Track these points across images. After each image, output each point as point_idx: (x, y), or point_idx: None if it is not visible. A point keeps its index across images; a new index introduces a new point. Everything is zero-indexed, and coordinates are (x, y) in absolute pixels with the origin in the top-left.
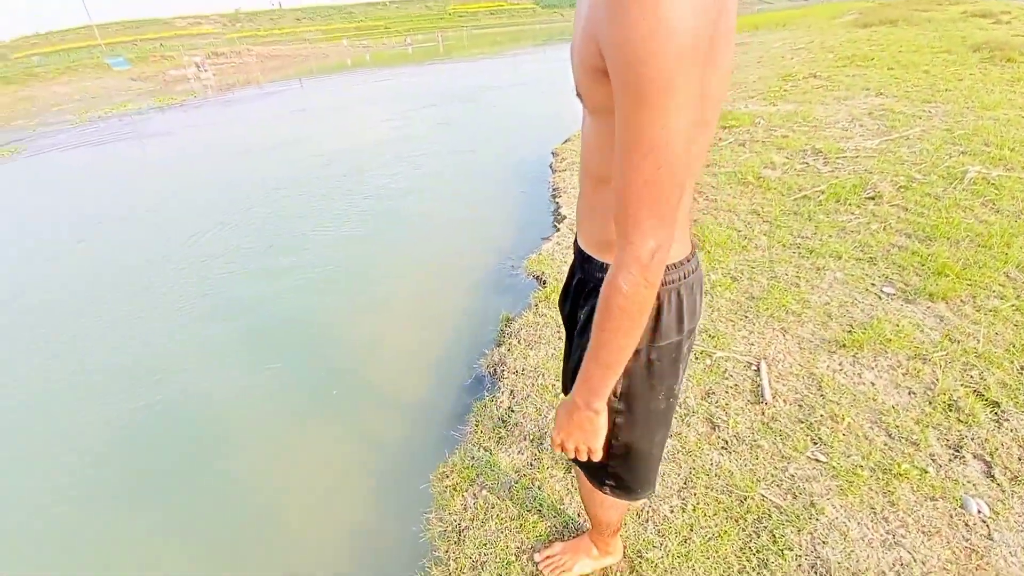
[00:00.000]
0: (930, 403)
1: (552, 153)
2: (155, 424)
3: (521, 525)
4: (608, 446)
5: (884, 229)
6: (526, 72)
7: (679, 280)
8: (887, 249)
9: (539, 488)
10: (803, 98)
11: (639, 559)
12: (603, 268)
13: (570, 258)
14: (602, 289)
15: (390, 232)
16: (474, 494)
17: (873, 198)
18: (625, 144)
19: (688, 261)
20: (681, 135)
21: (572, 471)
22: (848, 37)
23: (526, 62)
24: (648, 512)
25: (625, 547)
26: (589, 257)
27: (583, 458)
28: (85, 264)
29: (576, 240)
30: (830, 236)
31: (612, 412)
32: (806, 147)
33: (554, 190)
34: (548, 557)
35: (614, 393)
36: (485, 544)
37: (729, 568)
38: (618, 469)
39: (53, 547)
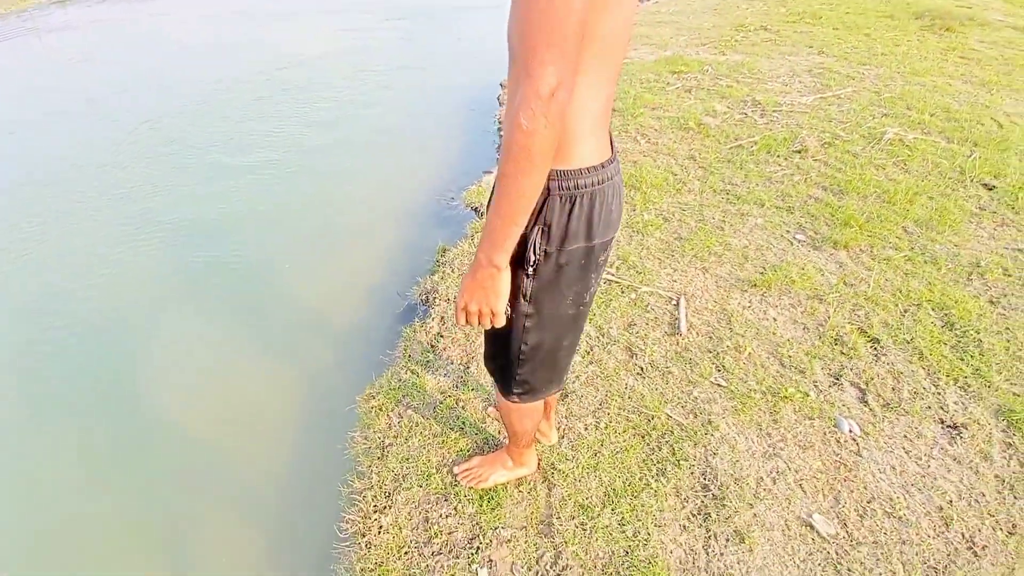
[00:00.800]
0: (820, 338)
1: (500, 85)
2: (71, 326)
3: (443, 441)
4: (517, 350)
5: (805, 181)
6: None
7: (593, 185)
8: (804, 200)
9: (463, 408)
10: (751, 50)
11: (552, 470)
12: None
13: None
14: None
15: (327, 155)
16: (399, 414)
17: (799, 151)
18: None
19: (604, 167)
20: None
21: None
22: None
23: None
24: (564, 430)
25: (540, 460)
26: None
27: (486, 325)
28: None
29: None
30: (757, 184)
31: (522, 316)
32: (747, 98)
33: (500, 122)
34: (466, 469)
35: (524, 296)
36: (407, 459)
37: (632, 476)
38: (526, 375)
39: None
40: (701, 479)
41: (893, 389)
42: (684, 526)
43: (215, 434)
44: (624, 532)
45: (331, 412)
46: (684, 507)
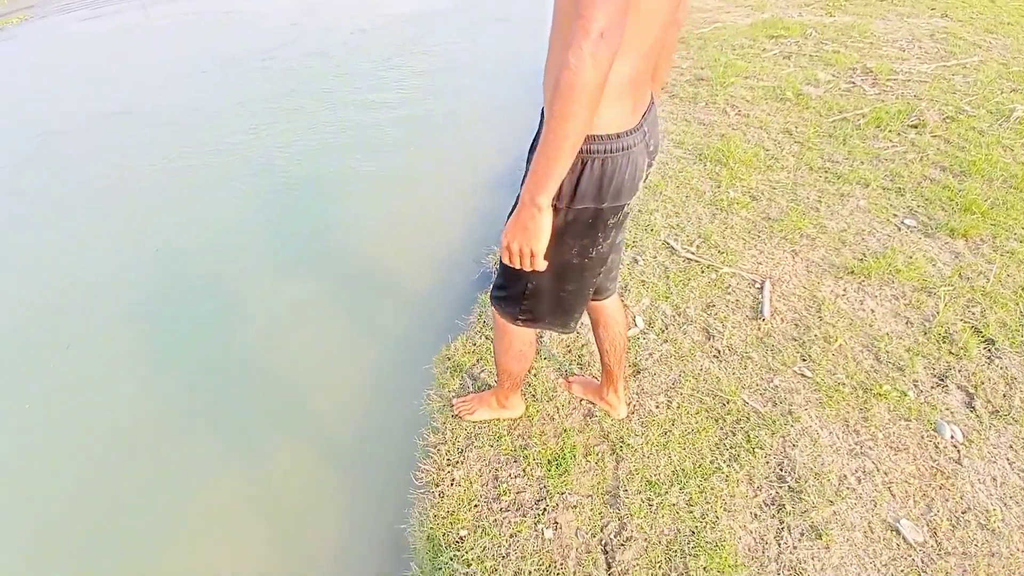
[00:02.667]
0: (925, 334)
1: None
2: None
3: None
4: (524, 288)
5: (920, 160)
6: None
7: (607, 152)
8: (918, 181)
9: (534, 376)
10: (863, 11)
11: (621, 444)
12: (543, 122)
13: None
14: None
15: (413, 114)
16: (473, 376)
17: (916, 126)
18: None
19: (620, 137)
20: None
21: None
22: None
23: None
24: (634, 406)
25: (528, 406)
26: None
27: (527, 266)
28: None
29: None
30: (861, 163)
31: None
32: (856, 65)
33: None
34: (462, 400)
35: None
36: (479, 420)
37: (702, 459)
38: (530, 306)
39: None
40: (777, 469)
41: (1004, 396)
42: (755, 514)
43: (305, 383)
44: (692, 512)
45: (410, 369)
46: (756, 495)
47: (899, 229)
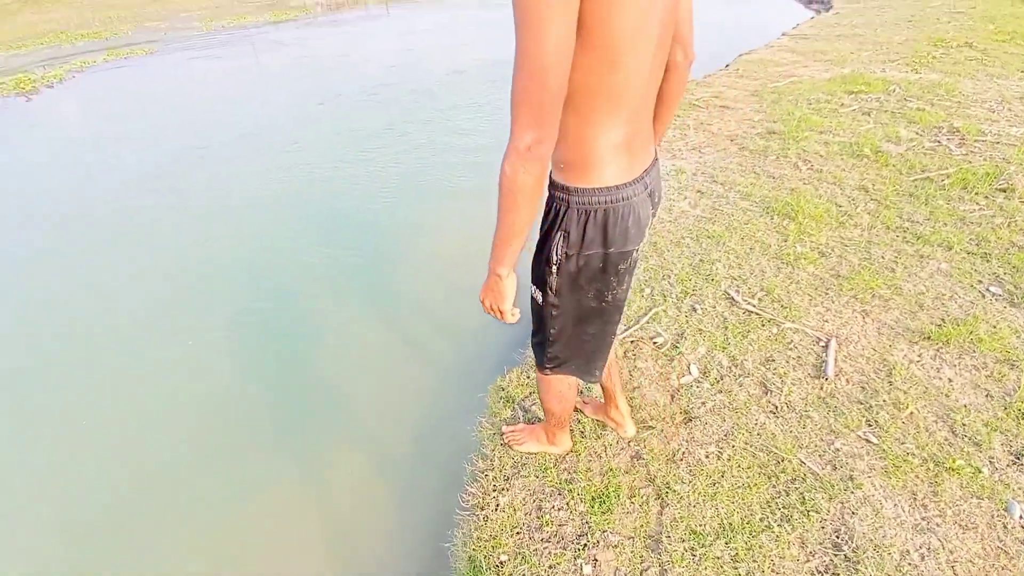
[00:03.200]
0: (1005, 408)
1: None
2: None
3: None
4: (548, 333)
5: (1008, 225)
6: None
7: (609, 202)
8: (1006, 247)
9: (580, 413)
10: (952, 69)
11: (667, 489)
12: (553, 184)
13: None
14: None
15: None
16: (524, 407)
17: (1004, 190)
18: (514, 61)
19: (620, 188)
20: (549, 54)
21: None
22: (1013, 12)
23: None
24: (683, 454)
25: (575, 443)
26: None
27: (498, 317)
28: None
29: None
30: (944, 224)
31: (550, 305)
32: (942, 124)
33: None
34: (512, 430)
35: (550, 289)
36: (527, 451)
37: (752, 515)
38: (555, 352)
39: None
40: (833, 536)
41: None
42: None
43: (365, 403)
44: (736, 569)
45: (466, 397)
46: (809, 561)
47: (983, 296)
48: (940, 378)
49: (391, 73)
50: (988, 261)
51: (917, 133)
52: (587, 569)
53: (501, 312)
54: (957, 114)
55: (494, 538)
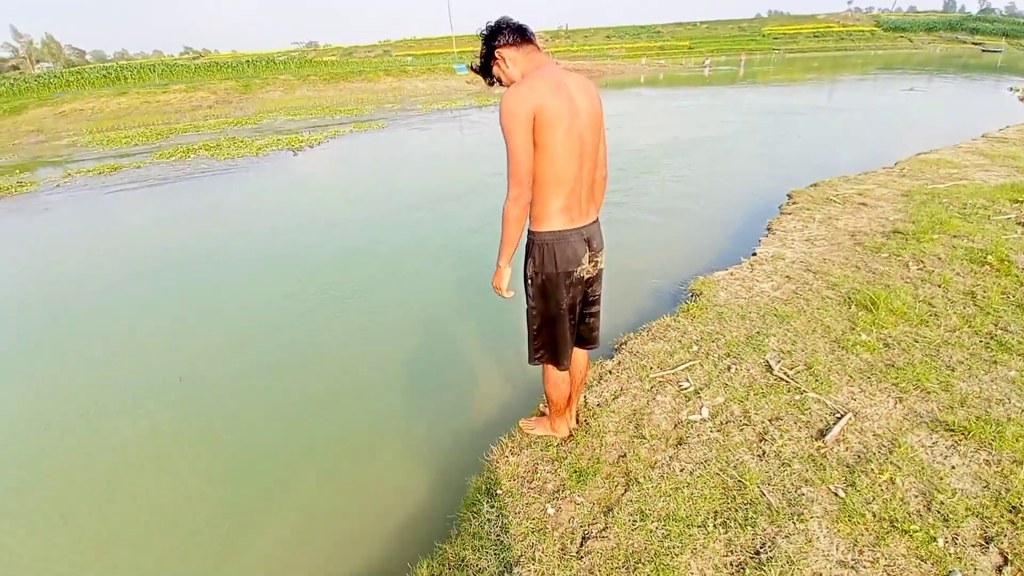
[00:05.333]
0: (995, 501)
1: (788, 195)
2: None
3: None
4: (532, 331)
5: None
6: (828, 104)
7: (552, 240)
8: None
9: (593, 417)
10: None
11: (634, 482)
12: (528, 231)
13: (734, 287)
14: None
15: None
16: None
17: None
18: (507, 159)
19: (560, 232)
20: (519, 153)
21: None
22: None
23: (840, 91)
24: (661, 464)
25: (571, 432)
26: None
27: (500, 295)
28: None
29: None
30: None
31: (531, 308)
32: None
33: (767, 230)
34: (527, 421)
35: (530, 297)
36: (538, 440)
37: (695, 515)
38: (538, 346)
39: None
40: (757, 546)
41: None
42: (716, 566)
43: (433, 393)
44: (663, 543)
45: (506, 395)
46: (727, 556)
47: None
48: (943, 464)
49: None
50: None
51: None
52: (550, 510)
53: (499, 289)
54: None
55: (497, 479)
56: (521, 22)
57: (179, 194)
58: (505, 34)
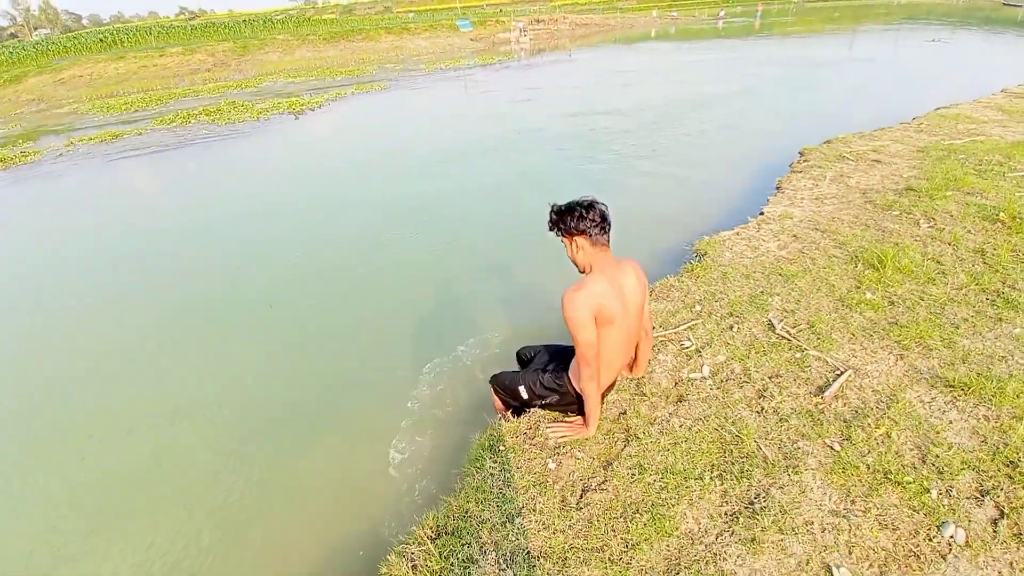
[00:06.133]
0: (993, 454)
1: (799, 152)
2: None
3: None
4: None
5: None
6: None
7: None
8: None
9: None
10: None
11: (635, 437)
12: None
13: (740, 246)
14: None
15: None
16: None
17: None
18: (576, 346)
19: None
20: (585, 344)
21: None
22: None
23: (856, 45)
24: (661, 420)
25: (628, 426)
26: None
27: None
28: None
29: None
30: None
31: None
32: None
33: (777, 188)
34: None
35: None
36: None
37: (693, 468)
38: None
39: None
40: (751, 496)
41: None
42: (711, 515)
43: (456, 368)
44: (660, 494)
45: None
46: (722, 506)
47: None
48: (941, 418)
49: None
50: None
51: None
52: (551, 465)
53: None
54: None
55: (500, 436)
56: (604, 210)
57: (186, 160)
58: (588, 223)
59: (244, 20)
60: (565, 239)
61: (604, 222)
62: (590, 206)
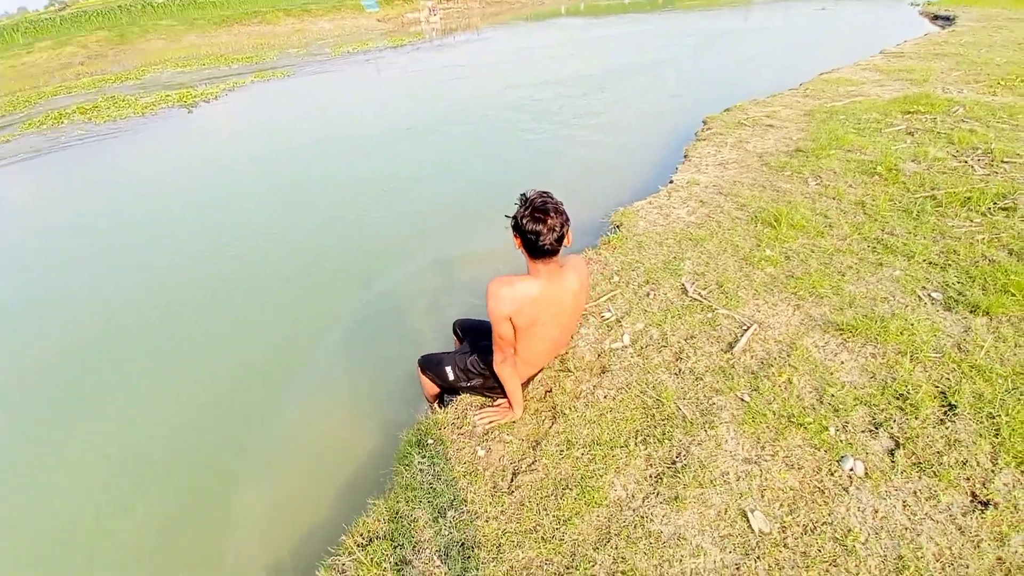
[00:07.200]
0: (882, 390)
1: (703, 121)
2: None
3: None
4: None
5: (989, 241)
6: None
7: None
8: (975, 260)
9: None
10: None
11: (561, 414)
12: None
13: (652, 215)
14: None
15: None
16: None
17: (1007, 209)
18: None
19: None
20: (500, 336)
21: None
22: None
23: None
24: (585, 393)
25: (555, 404)
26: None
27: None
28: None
29: None
30: (921, 238)
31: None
32: (980, 145)
33: (684, 156)
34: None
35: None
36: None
37: (618, 437)
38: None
39: None
40: (673, 456)
41: (938, 453)
42: (637, 481)
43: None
44: (588, 466)
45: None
46: (647, 469)
47: (919, 300)
48: (835, 361)
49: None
50: (945, 271)
51: (949, 153)
52: (480, 453)
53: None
54: (1003, 136)
55: (428, 430)
56: (560, 235)
57: (60, 165)
58: (536, 250)
59: (120, 6)
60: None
61: (556, 245)
62: (548, 232)
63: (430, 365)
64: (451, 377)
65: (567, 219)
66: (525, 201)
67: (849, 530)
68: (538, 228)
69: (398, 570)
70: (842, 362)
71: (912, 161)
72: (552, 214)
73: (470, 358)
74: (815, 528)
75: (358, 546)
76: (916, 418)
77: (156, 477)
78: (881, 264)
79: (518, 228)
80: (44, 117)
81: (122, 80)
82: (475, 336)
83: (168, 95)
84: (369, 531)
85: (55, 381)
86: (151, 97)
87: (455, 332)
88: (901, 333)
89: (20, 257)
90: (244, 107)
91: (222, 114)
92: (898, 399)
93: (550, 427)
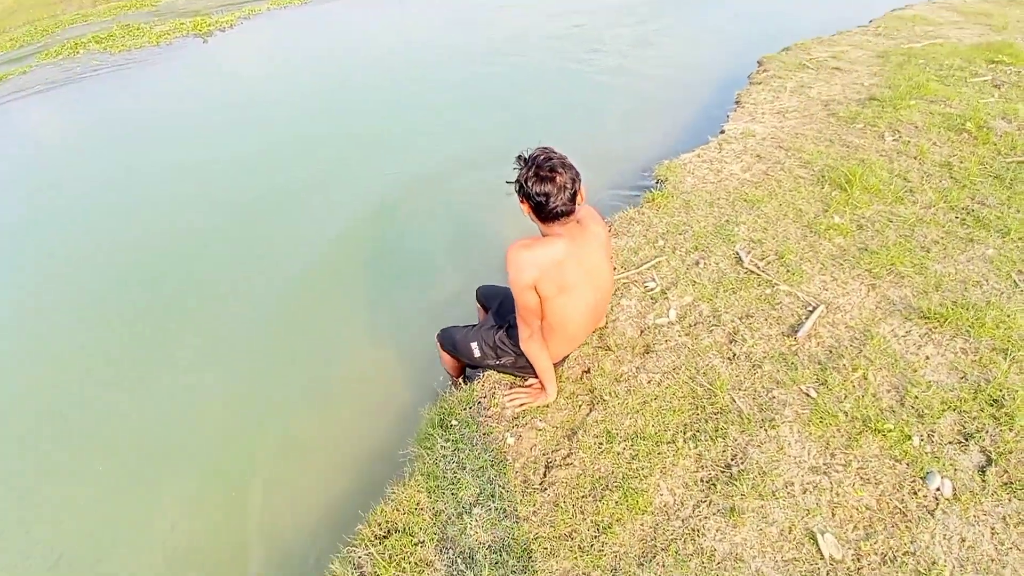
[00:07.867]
0: (975, 393)
1: (758, 62)
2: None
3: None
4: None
5: None
6: None
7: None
8: None
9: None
10: None
11: (600, 400)
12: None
13: (702, 170)
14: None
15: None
16: None
17: None
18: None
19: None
20: (524, 307)
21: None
22: None
23: None
24: (627, 376)
25: (593, 388)
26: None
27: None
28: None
29: None
30: (1016, 211)
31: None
32: None
33: (736, 103)
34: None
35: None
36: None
37: (664, 431)
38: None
39: None
40: (727, 458)
41: None
42: (687, 484)
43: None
44: (631, 465)
45: None
46: (698, 472)
47: (1016, 285)
48: (918, 355)
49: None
50: None
51: None
52: (510, 440)
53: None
54: None
55: (452, 409)
56: (571, 194)
57: (76, 98)
58: (545, 212)
59: None
60: (521, 201)
61: (571, 204)
62: (559, 191)
63: (452, 341)
64: (477, 354)
65: (577, 174)
66: (526, 161)
67: (934, 562)
68: (547, 188)
69: (419, 571)
70: (927, 357)
71: (1002, 119)
72: (560, 169)
73: (498, 334)
74: (895, 558)
75: (376, 538)
76: (1011, 429)
77: (172, 459)
78: (972, 240)
79: (524, 192)
80: (60, 47)
81: (138, 7)
82: (503, 307)
83: (182, 23)
84: (387, 521)
85: (66, 335)
86: (165, 25)
87: (478, 300)
88: (997, 326)
89: (51, 205)
90: (265, 36)
91: (238, 43)
92: (992, 405)
93: (587, 415)
